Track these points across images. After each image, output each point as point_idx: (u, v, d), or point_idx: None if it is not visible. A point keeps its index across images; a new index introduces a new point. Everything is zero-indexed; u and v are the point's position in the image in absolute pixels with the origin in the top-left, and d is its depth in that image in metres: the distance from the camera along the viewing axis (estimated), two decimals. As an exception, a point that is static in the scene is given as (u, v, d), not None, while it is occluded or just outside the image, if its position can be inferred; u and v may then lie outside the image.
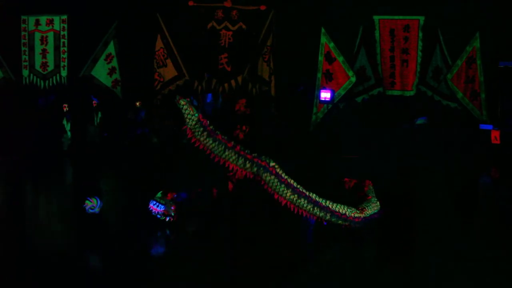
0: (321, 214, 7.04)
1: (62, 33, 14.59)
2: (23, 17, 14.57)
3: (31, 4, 14.47)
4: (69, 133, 13.98)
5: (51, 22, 14.57)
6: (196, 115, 6.96)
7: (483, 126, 13.82)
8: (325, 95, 14.10)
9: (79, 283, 5.38)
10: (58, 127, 14.05)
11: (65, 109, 14.09)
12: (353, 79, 14.22)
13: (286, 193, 6.98)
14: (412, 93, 14.47)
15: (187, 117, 6.96)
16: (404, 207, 8.68)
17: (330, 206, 7.01)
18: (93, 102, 14.40)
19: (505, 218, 8.31)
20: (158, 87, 14.38)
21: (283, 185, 6.99)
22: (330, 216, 7.03)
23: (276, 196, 6.97)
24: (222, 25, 14.41)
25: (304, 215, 7.08)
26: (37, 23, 14.58)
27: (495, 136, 13.38)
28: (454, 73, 14.05)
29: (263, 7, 14.37)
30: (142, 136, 14.33)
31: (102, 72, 14.52)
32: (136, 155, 13.43)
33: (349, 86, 14.27)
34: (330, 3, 14.11)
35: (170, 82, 14.40)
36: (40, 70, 14.67)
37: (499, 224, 8.03)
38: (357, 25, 14.38)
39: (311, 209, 7.02)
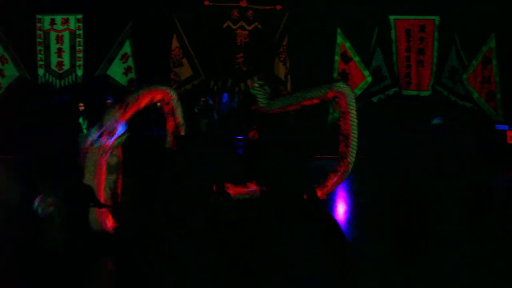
0: None
1: (77, 32, 14.55)
2: (38, 16, 14.49)
3: (46, 3, 14.41)
4: (85, 132, 13.93)
5: (66, 21, 14.53)
6: (267, 95, 7.56)
7: (499, 127, 13.81)
8: (341, 95, 14.08)
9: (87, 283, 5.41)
10: (74, 126, 14.00)
11: (80, 108, 14.03)
12: (369, 79, 14.24)
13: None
14: (428, 93, 14.51)
15: (260, 98, 7.50)
16: (418, 207, 8.67)
17: None
18: (108, 101, 14.36)
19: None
20: (174, 86, 14.33)
21: None
22: None
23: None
24: (238, 25, 14.42)
25: None
26: (53, 22, 14.52)
27: (511, 136, 13.39)
28: (469, 73, 14.05)
29: (278, 7, 14.39)
30: (158, 136, 14.30)
31: (117, 71, 14.46)
32: (152, 155, 13.38)
33: (365, 86, 14.29)
34: (346, 3, 14.09)
35: (186, 81, 14.39)
36: (55, 69, 14.62)
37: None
38: (373, 25, 14.40)
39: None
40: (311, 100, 7.77)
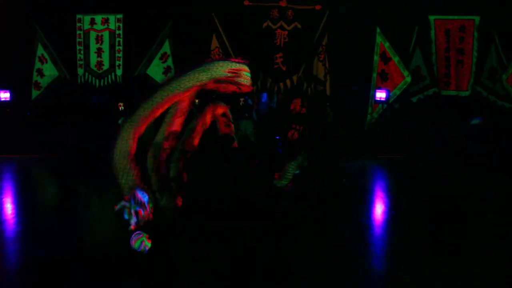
0: None
1: (117, 32, 14.59)
2: (78, 16, 14.53)
3: (86, 3, 14.46)
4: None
5: (106, 21, 14.57)
6: None
7: (539, 127, 13.76)
8: (380, 95, 14.13)
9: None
10: (113, 126, 14.02)
11: (120, 108, 14.06)
12: (408, 79, 14.22)
13: None
14: (467, 93, 14.50)
15: None
16: (454, 209, 8.64)
17: None
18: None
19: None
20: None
21: None
22: None
23: None
24: (278, 25, 14.43)
25: None
26: (93, 22, 14.57)
27: (551, 137, 13.33)
28: (509, 73, 14.02)
29: (318, 7, 14.39)
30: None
31: (157, 71, 14.49)
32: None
33: (405, 86, 14.27)
34: (386, 3, 14.08)
35: (226, 81, 14.40)
36: (95, 69, 14.68)
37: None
38: (413, 25, 14.37)
39: None
40: None
